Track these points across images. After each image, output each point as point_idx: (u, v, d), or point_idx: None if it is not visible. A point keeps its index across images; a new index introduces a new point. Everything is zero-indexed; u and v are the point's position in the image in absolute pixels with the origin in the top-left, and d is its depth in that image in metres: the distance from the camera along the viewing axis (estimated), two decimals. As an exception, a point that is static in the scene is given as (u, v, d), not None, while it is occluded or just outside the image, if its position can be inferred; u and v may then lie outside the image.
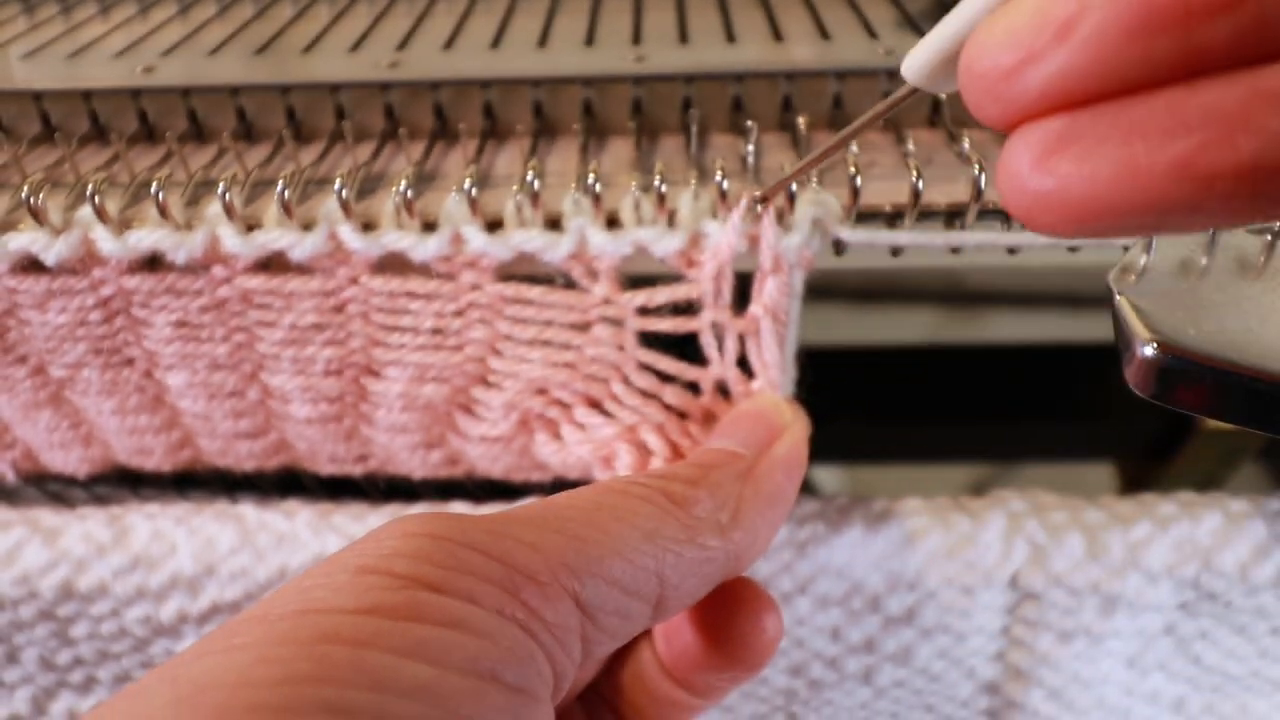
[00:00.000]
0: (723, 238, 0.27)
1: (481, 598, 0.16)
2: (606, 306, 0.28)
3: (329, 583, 0.16)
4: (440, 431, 0.32)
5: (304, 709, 0.14)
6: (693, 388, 0.29)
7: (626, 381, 0.29)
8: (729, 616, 0.24)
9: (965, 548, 0.32)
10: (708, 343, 0.28)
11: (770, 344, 0.28)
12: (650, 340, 0.29)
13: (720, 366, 0.28)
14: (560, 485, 0.32)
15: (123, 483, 0.38)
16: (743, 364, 0.29)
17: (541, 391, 0.29)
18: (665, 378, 0.29)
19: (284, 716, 0.14)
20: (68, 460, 0.35)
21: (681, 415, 0.29)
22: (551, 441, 0.30)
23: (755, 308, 0.28)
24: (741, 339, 0.28)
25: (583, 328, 0.28)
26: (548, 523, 0.19)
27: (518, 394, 0.29)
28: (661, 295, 0.28)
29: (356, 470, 0.35)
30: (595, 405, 0.29)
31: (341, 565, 0.17)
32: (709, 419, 0.29)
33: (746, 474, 0.24)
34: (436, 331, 0.29)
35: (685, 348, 0.29)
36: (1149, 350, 0.24)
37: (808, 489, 0.50)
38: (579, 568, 0.18)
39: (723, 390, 0.29)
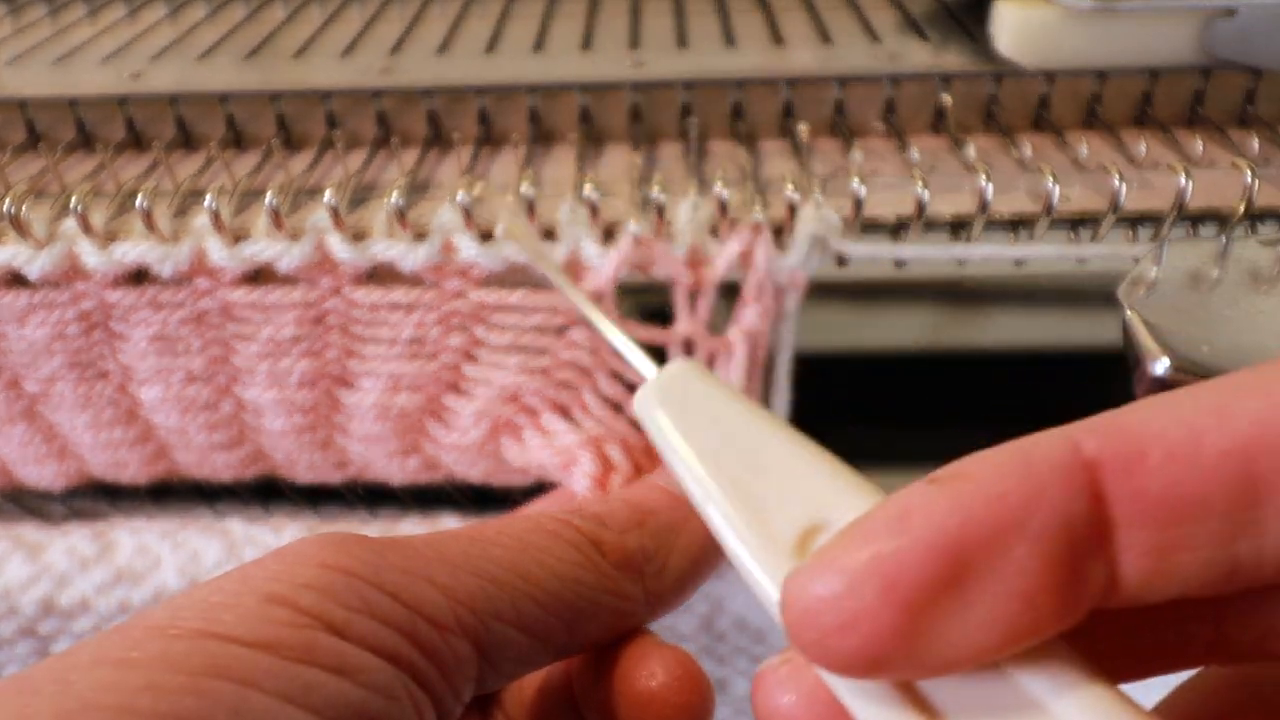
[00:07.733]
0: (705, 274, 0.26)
1: (379, 644, 0.17)
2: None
3: (235, 604, 0.16)
4: (414, 439, 0.31)
5: None
6: None
7: (597, 390, 0.28)
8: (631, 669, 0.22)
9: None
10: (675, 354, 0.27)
11: (740, 369, 0.27)
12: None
13: None
14: (541, 490, 0.32)
15: (100, 495, 0.37)
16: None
17: (513, 398, 0.29)
18: (635, 389, 0.28)
19: None
20: (42, 474, 0.34)
21: None
22: (515, 444, 0.29)
23: (732, 331, 0.27)
24: (713, 357, 0.27)
25: (561, 331, 0.28)
26: (469, 561, 0.19)
27: (488, 402, 0.29)
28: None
29: (335, 477, 0.34)
30: (563, 412, 0.29)
31: (251, 587, 0.17)
32: None
33: (684, 524, 0.23)
34: (415, 341, 0.28)
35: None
36: (1162, 368, 0.23)
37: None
38: (487, 613, 0.19)
39: None
